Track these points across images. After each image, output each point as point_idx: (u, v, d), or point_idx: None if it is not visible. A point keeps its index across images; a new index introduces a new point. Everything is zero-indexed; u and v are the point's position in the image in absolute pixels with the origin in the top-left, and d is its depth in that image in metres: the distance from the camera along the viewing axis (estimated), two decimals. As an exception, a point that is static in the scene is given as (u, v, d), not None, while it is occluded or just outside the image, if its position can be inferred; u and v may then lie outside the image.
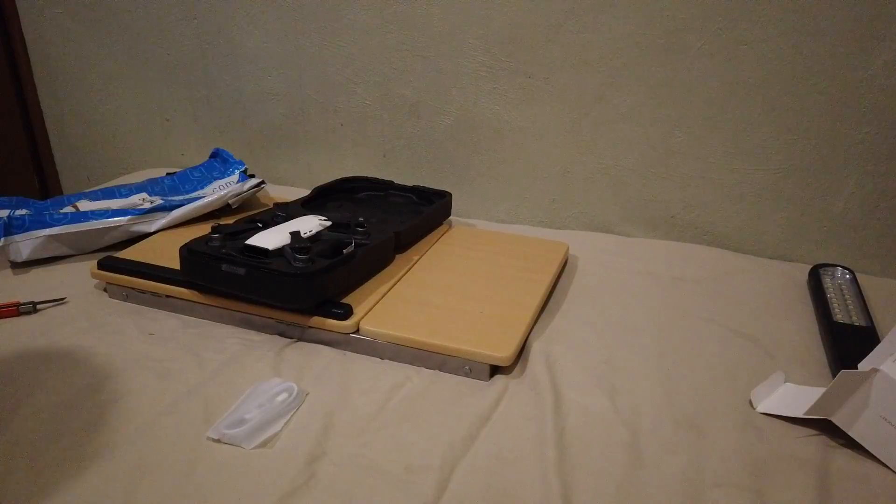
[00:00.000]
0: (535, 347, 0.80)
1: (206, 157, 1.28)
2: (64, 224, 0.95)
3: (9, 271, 0.93)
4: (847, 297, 0.90)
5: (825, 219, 1.05)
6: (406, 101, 1.19)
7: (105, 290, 0.89)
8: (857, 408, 0.64)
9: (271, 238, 0.83)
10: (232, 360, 0.76)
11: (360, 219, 0.92)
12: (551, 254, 0.98)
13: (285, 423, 0.66)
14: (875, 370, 0.64)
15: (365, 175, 1.17)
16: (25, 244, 0.93)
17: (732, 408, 0.71)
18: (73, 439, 0.63)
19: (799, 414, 0.68)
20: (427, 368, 0.76)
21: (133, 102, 1.37)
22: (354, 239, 0.87)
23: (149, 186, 1.13)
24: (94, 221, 0.96)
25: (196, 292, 0.83)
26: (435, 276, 0.90)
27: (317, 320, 0.78)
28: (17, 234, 0.93)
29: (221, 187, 1.10)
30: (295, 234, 0.84)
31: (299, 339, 0.81)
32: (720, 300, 0.92)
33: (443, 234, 1.04)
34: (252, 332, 0.82)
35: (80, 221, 0.96)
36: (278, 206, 1.01)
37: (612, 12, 1.02)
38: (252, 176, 1.10)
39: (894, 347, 0.67)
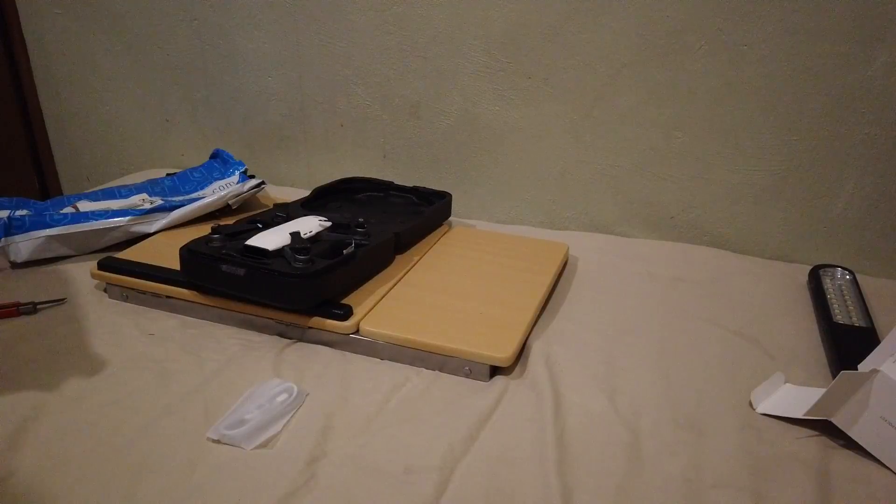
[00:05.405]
0: (535, 348, 0.80)
1: (206, 158, 1.28)
2: (64, 225, 0.95)
3: (9, 271, 0.93)
4: (847, 297, 0.90)
5: (825, 219, 1.05)
6: (406, 102, 1.19)
7: (105, 290, 0.89)
8: (857, 409, 0.64)
9: (271, 239, 0.83)
10: (232, 360, 0.76)
11: (360, 219, 0.92)
12: (551, 254, 0.98)
13: (285, 424, 0.66)
14: (875, 371, 0.64)
15: (365, 176, 1.17)
16: (25, 245, 0.93)
17: (732, 408, 0.71)
18: (73, 440, 0.63)
19: (799, 415, 0.68)
20: (427, 369, 0.76)
21: (133, 103, 1.37)
22: (354, 240, 0.87)
23: (149, 187, 1.14)
24: (94, 222, 0.96)
25: (196, 293, 0.83)
26: (435, 277, 0.90)
27: (317, 321, 0.78)
28: (17, 234, 0.93)
29: (221, 188, 1.10)
30: (295, 235, 0.84)
31: (299, 340, 0.81)
32: (720, 301, 0.92)
33: (443, 235, 1.04)
34: (252, 332, 0.82)
35: (80, 222, 0.96)
36: (278, 206, 1.01)
37: (612, 13, 1.02)
38: (252, 176, 1.11)
39: (894, 348, 0.67)
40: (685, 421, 0.69)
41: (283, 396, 0.69)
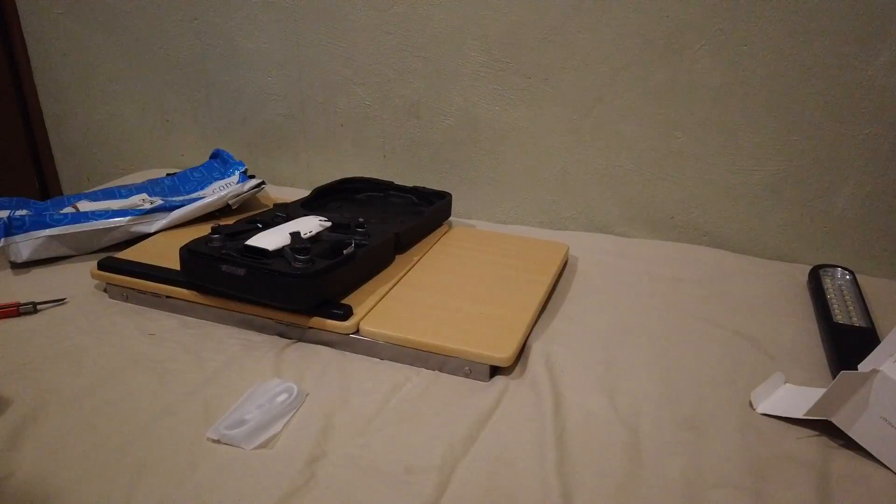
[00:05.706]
0: (535, 348, 0.80)
1: (206, 158, 1.28)
2: (64, 224, 0.95)
3: (9, 271, 0.93)
4: (847, 297, 0.90)
5: (825, 219, 1.05)
6: (406, 102, 1.19)
7: (105, 290, 0.89)
8: (857, 409, 0.64)
9: (271, 239, 0.83)
10: (232, 360, 0.76)
11: (360, 219, 0.92)
12: (551, 254, 0.98)
13: (285, 424, 0.66)
14: (875, 371, 0.64)
15: (365, 176, 1.17)
16: (25, 245, 0.93)
17: (732, 408, 0.71)
18: (73, 440, 0.63)
19: (799, 415, 0.68)
20: (427, 369, 0.76)
21: (133, 103, 1.37)
22: (354, 240, 0.87)
23: (149, 187, 1.14)
24: (95, 222, 0.96)
25: (196, 293, 0.83)
26: (435, 277, 0.90)
27: (317, 321, 0.78)
28: (17, 234, 0.93)
29: (221, 188, 1.10)
30: (295, 235, 0.84)
31: (299, 340, 0.81)
32: (720, 301, 0.92)
33: (443, 235, 1.04)
34: (252, 332, 0.82)
35: (80, 222, 0.96)
36: (278, 206, 1.01)
37: (612, 13, 1.02)
38: (252, 176, 1.10)
39: (894, 348, 0.67)
40: (685, 421, 0.69)
41: (283, 396, 0.69)
